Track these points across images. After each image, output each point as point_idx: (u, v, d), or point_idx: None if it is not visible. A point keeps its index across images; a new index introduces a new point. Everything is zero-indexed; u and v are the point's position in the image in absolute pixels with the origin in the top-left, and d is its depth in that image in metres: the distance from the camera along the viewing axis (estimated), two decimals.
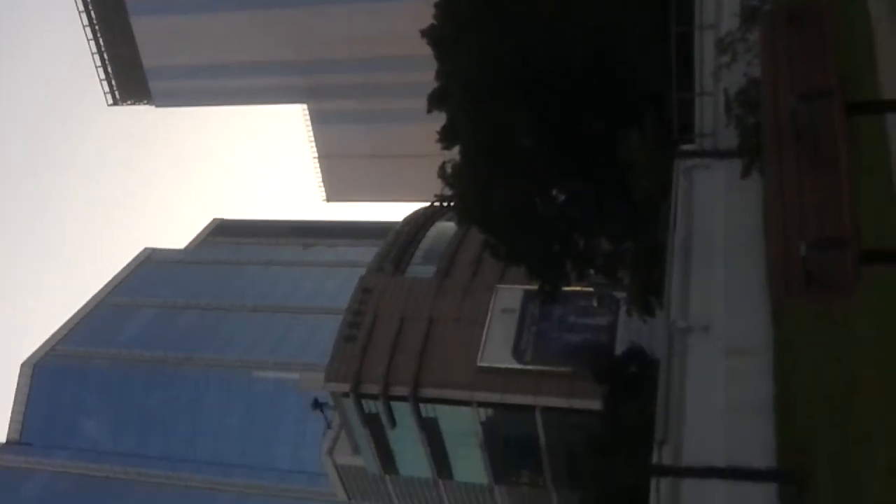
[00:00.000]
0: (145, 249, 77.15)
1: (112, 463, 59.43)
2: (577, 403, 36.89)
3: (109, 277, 73.46)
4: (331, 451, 46.47)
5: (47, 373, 64.26)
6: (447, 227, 48.62)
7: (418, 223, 50.72)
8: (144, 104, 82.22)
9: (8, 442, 63.62)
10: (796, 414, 14.77)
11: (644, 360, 33.19)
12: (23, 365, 64.78)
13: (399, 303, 42.67)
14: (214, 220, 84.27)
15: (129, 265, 75.08)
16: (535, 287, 37.05)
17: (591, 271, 36.52)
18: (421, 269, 46.73)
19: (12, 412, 64.27)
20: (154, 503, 56.52)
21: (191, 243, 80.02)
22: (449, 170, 33.37)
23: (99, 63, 78.38)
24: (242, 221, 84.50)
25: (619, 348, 37.11)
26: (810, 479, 13.09)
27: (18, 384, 64.24)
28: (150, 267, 74.47)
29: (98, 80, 79.25)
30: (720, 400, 16.57)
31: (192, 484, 56.81)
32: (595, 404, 34.28)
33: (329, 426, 47.57)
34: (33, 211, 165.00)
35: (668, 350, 17.77)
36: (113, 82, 79.86)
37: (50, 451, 61.55)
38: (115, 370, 63.34)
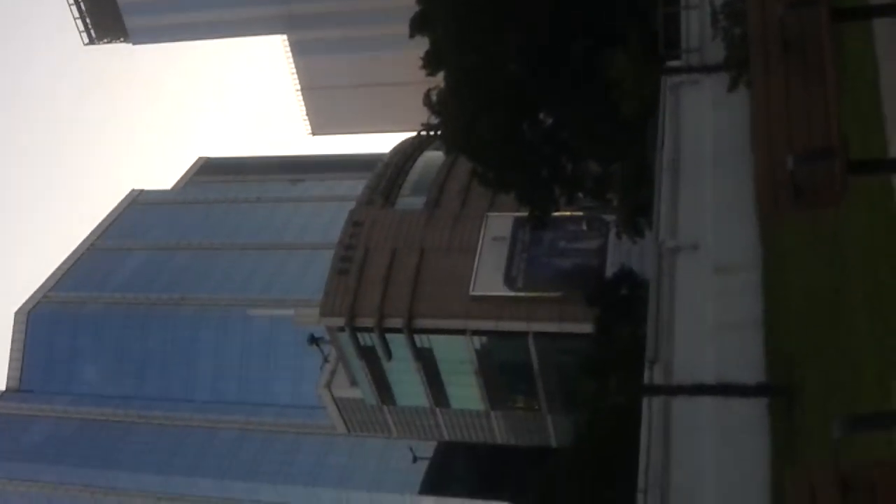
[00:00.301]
0: (132, 191, 76.39)
1: (112, 406, 60.01)
2: (569, 328, 37.19)
3: (97, 222, 73.00)
4: (328, 385, 46.96)
5: (42, 320, 64.35)
6: (435, 156, 48.19)
7: (406, 153, 50.28)
8: (121, 42, 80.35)
9: (8, 390, 64.09)
10: (785, 329, 14.80)
11: (634, 281, 33.35)
12: (16, 313, 64.80)
13: (390, 235, 42.56)
14: (200, 158, 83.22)
15: (116, 208, 74.42)
16: (524, 214, 36.94)
17: (580, 195, 36.39)
18: (410, 200, 46.49)
19: (10, 360, 64.58)
20: (156, 443, 57.31)
21: (177, 183, 79.20)
22: (434, 97, 32.86)
23: (72, 0, 76.38)
24: (228, 159, 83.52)
25: (610, 271, 37.21)
26: (799, 392, 13.17)
27: (14, 333, 64.39)
28: (138, 209, 73.85)
29: (72, 18, 77.36)
30: (710, 318, 16.60)
31: (193, 423, 57.51)
32: (587, 328, 34.57)
33: (326, 360, 47.99)
34: (11, 157, 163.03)
35: (658, 270, 17.73)
36: (88, 20, 77.89)
37: (50, 398, 62.06)
38: (110, 314, 63.42)
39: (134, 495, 57.47)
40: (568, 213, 39.48)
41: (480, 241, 40.95)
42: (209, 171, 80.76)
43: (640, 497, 15.84)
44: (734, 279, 17.10)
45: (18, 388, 63.85)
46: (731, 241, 17.55)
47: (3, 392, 63.97)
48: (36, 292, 66.43)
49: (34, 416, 61.38)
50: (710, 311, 16.83)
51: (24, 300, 65.93)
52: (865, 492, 5.79)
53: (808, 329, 13.38)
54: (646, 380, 17.24)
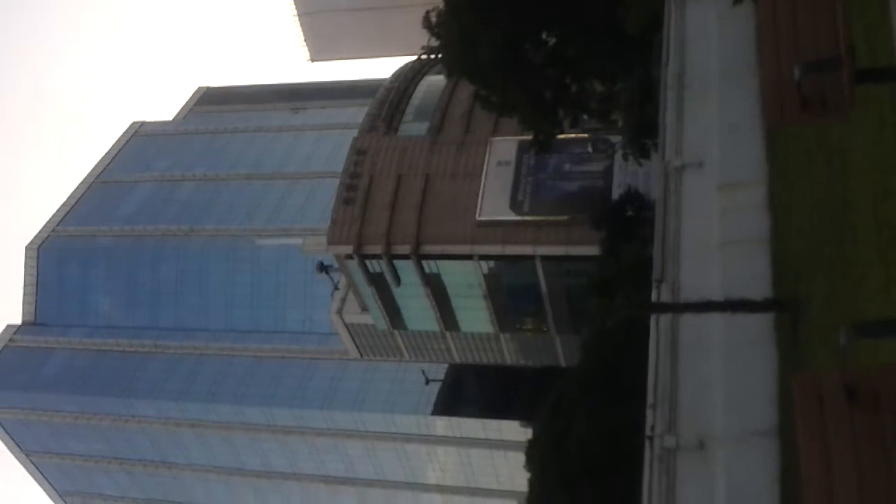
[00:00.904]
0: (133, 123, 75.95)
1: (127, 337, 61.01)
2: (576, 250, 37.35)
3: (100, 155, 72.83)
4: (339, 311, 47.51)
5: (52, 254, 64.91)
6: (437, 80, 47.56)
7: (407, 78, 49.57)
8: None
9: (24, 323, 65.11)
10: (791, 244, 14.86)
11: (641, 202, 33.29)
12: (27, 248, 65.33)
13: (394, 162, 42.39)
14: (200, 88, 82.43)
15: (119, 141, 74.16)
16: (529, 137, 36.65)
17: (585, 116, 36.02)
18: (413, 126, 46.08)
19: (24, 294, 65.40)
20: (173, 372, 58.42)
21: (178, 114, 78.68)
22: (434, 19, 32.24)
23: None
24: (229, 88, 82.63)
25: (616, 193, 37.09)
26: (806, 306, 13.31)
27: (26, 267, 65.04)
28: (140, 141, 73.56)
29: None
30: (716, 235, 16.64)
31: (208, 352, 58.50)
32: (593, 250, 34.71)
33: (336, 287, 48.45)
34: (8, 92, 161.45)
35: (664, 189, 17.69)
36: None
37: (66, 330, 63.07)
38: (119, 247, 63.90)
39: (153, 422, 58.98)
40: (573, 136, 39.13)
41: (485, 166, 40.78)
42: (209, 100, 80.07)
43: (649, 413, 16.16)
44: (740, 196, 17.06)
45: (34, 321, 64.87)
46: (737, 157, 17.45)
47: (20, 326, 65.00)
48: (45, 227, 66.84)
49: (51, 349, 62.52)
50: (716, 228, 16.86)
51: (33, 235, 66.45)
52: (871, 398, 5.92)
53: (814, 243, 13.43)
54: (653, 299, 17.40)
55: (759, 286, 15.32)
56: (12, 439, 64.67)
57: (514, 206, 39.58)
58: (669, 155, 18.18)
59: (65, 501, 69.58)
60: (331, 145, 64.13)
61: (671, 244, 17.22)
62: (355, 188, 41.82)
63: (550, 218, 38.53)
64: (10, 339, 63.87)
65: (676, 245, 17.09)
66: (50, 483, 68.04)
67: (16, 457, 66.35)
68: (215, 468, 61.19)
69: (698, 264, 16.71)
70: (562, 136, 37.00)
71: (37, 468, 67.08)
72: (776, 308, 14.82)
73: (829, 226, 12.55)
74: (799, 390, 6.10)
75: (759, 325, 15.18)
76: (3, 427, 64.02)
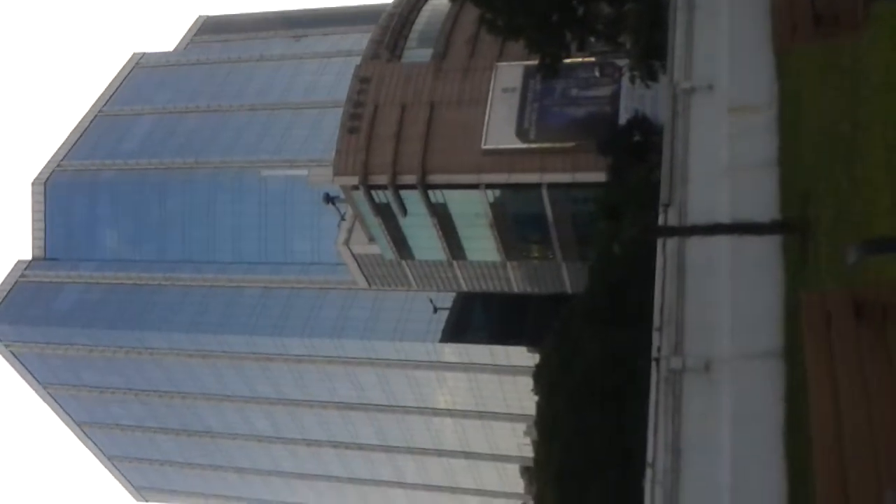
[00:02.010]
0: (134, 55, 74.88)
1: (137, 270, 61.46)
2: (582, 177, 37.19)
3: (102, 88, 72.09)
4: (347, 242, 47.68)
5: (59, 189, 64.94)
6: (441, 4, 46.67)
7: (410, 3, 48.60)
8: None
9: (34, 259, 65.59)
10: (800, 166, 14.79)
11: (648, 127, 33.01)
12: (33, 183, 65.30)
13: (398, 90, 41.90)
14: (200, 17, 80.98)
15: (120, 73, 73.30)
16: (534, 62, 36.09)
17: (592, 39, 35.37)
18: (417, 52, 45.39)
19: (33, 230, 65.67)
20: (183, 304, 59.03)
21: (179, 44, 77.51)
22: None
23: None
24: (230, 16, 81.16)
25: (623, 118, 36.72)
26: (814, 227, 13.32)
27: (33, 203, 65.12)
28: (142, 73, 72.69)
29: None
30: (724, 159, 16.56)
31: (218, 283, 58.98)
32: (600, 176, 34.57)
33: (343, 218, 48.53)
34: (7, 26, 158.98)
35: (672, 112, 17.53)
36: None
37: (76, 265, 63.53)
38: (125, 180, 63.85)
39: (166, 353, 59.92)
40: (580, 60, 38.51)
41: (490, 93, 40.28)
42: (210, 29, 78.75)
43: (655, 335, 16.35)
44: (749, 119, 16.91)
45: (44, 256, 65.32)
46: (747, 80, 17.24)
47: (31, 261, 65.49)
48: (49, 162, 66.68)
49: (63, 283, 63.09)
50: (724, 151, 16.77)
51: (38, 171, 66.37)
52: (879, 314, 5.99)
53: (823, 165, 13.36)
54: (660, 223, 17.42)
55: (766, 209, 15.32)
56: (29, 372, 65.89)
57: (520, 133, 39.24)
58: (678, 77, 17.97)
59: (83, 431, 71.32)
60: (334, 73, 63.32)
61: (679, 168, 17.16)
62: (359, 117, 41.45)
63: (557, 145, 38.23)
64: (22, 275, 64.41)
65: (684, 169, 17.03)
66: (68, 414, 69.64)
67: (34, 389, 67.74)
68: (229, 397, 62.43)
69: (706, 188, 16.68)
70: (568, 61, 36.42)
71: (54, 399, 68.55)
72: (784, 230, 14.84)
73: (839, 147, 12.47)
74: (808, 307, 6.18)
75: (767, 248, 15.23)
76: (19, 360, 65.14)
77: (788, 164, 15.26)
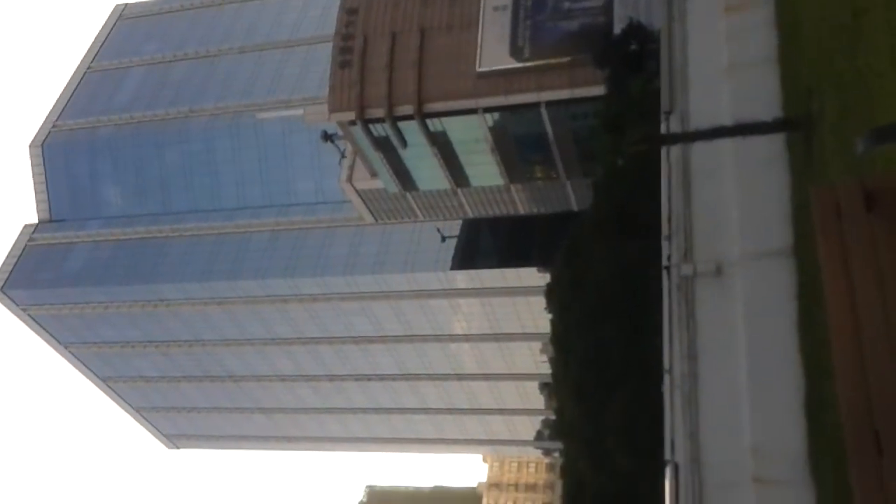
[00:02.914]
0: (117, 7, 73.64)
1: (144, 224, 61.66)
2: (581, 92, 36.68)
3: (88, 44, 71.03)
4: (349, 179, 47.50)
5: (57, 150, 64.66)
6: None
7: None
8: None
9: (41, 221, 65.77)
10: (801, 61, 14.50)
11: (644, 35, 32.32)
12: (31, 146, 65.00)
13: (387, 18, 41.08)
14: None
15: (105, 26, 72.15)
16: None
17: None
18: None
19: (36, 193, 65.68)
20: (193, 254, 59.35)
21: None
22: None
23: None
24: None
25: (618, 27, 35.95)
26: (818, 122, 13.16)
27: (32, 166, 64.95)
28: (126, 24, 71.53)
29: None
30: (724, 60, 16.27)
31: (225, 231, 59.16)
32: (599, 90, 34.09)
33: (343, 155, 48.23)
34: None
35: (668, 16, 17.15)
36: None
37: (82, 224, 63.74)
38: (122, 135, 63.46)
39: (181, 303, 60.56)
40: None
41: (481, 13, 39.45)
42: None
43: (664, 244, 16.37)
44: (747, 16, 16.54)
45: (50, 218, 65.49)
46: None
47: (37, 224, 65.70)
48: (44, 124, 66.25)
49: (71, 244, 63.44)
50: (723, 52, 16.45)
51: (33, 134, 65.95)
52: (891, 203, 5.92)
53: (825, 58, 13.09)
54: (662, 131, 17.24)
55: (770, 108, 15.11)
56: (49, 334, 66.81)
57: (515, 52, 38.55)
58: None
59: (109, 387, 72.69)
60: (321, 6, 62.17)
61: (679, 74, 16.89)
62: (350, 50, 40.77)
63: (552, 61, 37.60)
64: (30, 239, 64.72)
65: (684, 73, 16.77)
66: (91, 371, 70.88)
67: (55, 350, 68.80)
68: (249, 340, 63.34)
69: (707, 91, 16.45)
70: None
71: (77, 358, 69.69)
72: (788, 127, 14.68)
73: (840, 38, 12.19)
74: (816, 200, 6.11)
75: (771, 147, 15.09)
76: (38, 323, 65.99)
77: (789, 59, 14.98)
